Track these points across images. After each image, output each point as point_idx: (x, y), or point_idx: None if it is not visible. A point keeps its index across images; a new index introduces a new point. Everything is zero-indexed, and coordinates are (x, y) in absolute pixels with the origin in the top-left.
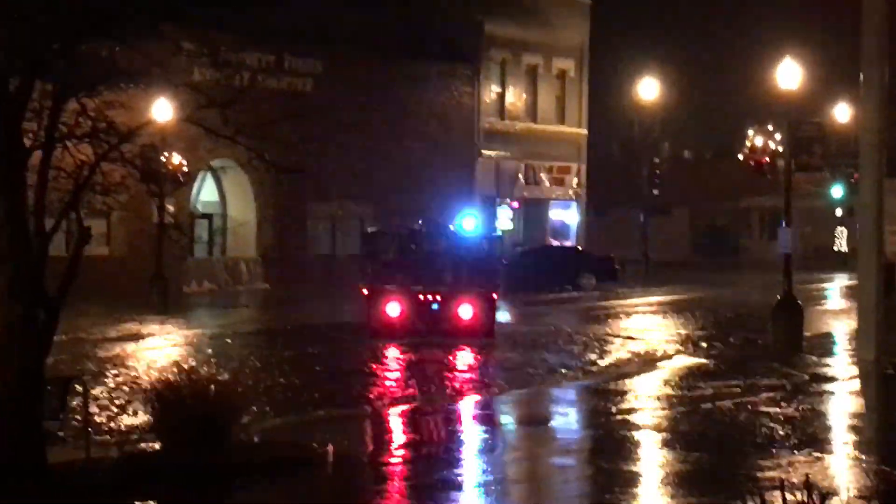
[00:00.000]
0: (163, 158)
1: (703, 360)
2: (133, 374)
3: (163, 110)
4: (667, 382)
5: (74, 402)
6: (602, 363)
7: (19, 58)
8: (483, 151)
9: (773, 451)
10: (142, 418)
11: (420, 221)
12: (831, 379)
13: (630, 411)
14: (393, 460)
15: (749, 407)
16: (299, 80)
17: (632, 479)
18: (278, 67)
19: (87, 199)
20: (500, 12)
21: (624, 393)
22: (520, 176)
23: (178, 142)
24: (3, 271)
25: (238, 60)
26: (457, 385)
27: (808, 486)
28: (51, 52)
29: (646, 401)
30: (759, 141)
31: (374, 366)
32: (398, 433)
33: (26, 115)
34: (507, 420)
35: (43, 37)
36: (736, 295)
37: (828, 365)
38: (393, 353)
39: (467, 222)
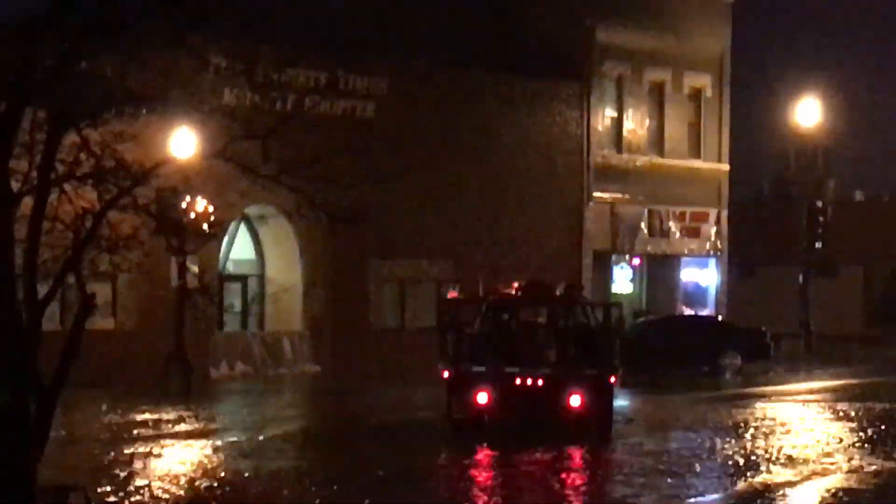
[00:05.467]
0: (184, 205)
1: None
2: (148, 481)
3: (185, 144)
4: (847, 493)
5: None
6: (757, 468)
7: (4, 78)
8: (595, 194)
9: None
10: None
11: (515, 284)
12: None
13: None
14: None
15: None
16: (359, 104)
17: None
18: (332, 88)
19: (91, 257)
20: (615, 15)
21: None
22: (642, 225)
23: (204, 184)
24: None
25: (281, 79)
26: (571, 497)
27: None
28: (44, 70)
29: None
30: None
31: (458, 472)
32: None
33: (14, 151)
34: None
35: (34, 52)
36: None
37: None
38: (483, 455)
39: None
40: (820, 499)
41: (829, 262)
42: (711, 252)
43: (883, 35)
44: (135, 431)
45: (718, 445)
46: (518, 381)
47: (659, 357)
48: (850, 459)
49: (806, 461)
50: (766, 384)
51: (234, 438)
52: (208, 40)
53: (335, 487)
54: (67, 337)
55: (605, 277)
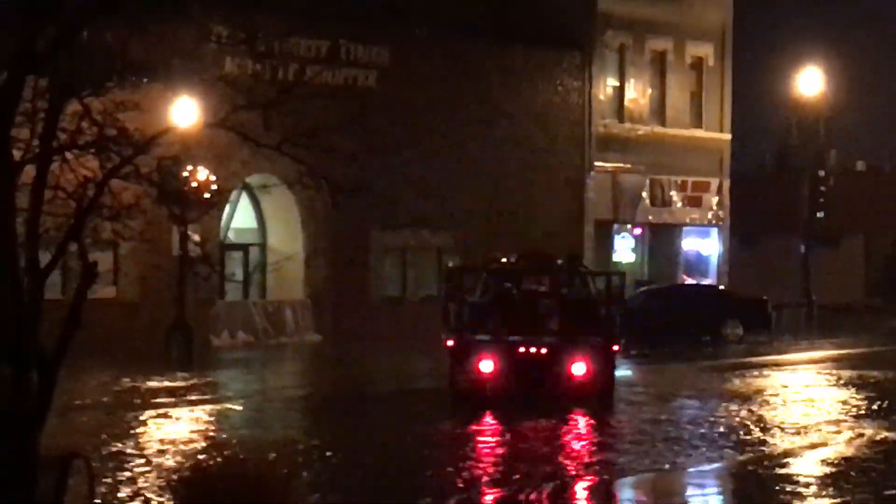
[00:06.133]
0: (185, 174)
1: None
2: (149, 449)
3: (186, 113)
4: (850, 461)
5: (76, 486)
6: (759, 436)
7: (6, 47)
8: (596, 163)
9: None
10: None
11: (517, 253)
12: None
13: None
14: None
15: None
16: (360, 73)
17: None
18: (334, 57)
19: (93, 226)
20: None
21: (792, 475)
22: (644, 194)
23: (205, 153)
24: None
25: (283, 49)
26: (573, 465)
27: None
28: (46, 39)
29: (823, 487)
30: None
31: (462, 440)
32: None
33: (16, 120)
34: None
35: (36, 20)
36: None
37: None
38: (486, 423)
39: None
40: (822, 467)
41: (830, 232)
42: (713, 222)
43: (885, 4)
44: (136, 399)
45: (720, 414)
46: (521, 350)
47: (661, 326)
48: (851, 428)
49: (807, 429)
50: (768, 353)
51: (235, 406)
52: (210, 10)
53: (333, 454)
54: (69, 306)
55: (607, 247)
